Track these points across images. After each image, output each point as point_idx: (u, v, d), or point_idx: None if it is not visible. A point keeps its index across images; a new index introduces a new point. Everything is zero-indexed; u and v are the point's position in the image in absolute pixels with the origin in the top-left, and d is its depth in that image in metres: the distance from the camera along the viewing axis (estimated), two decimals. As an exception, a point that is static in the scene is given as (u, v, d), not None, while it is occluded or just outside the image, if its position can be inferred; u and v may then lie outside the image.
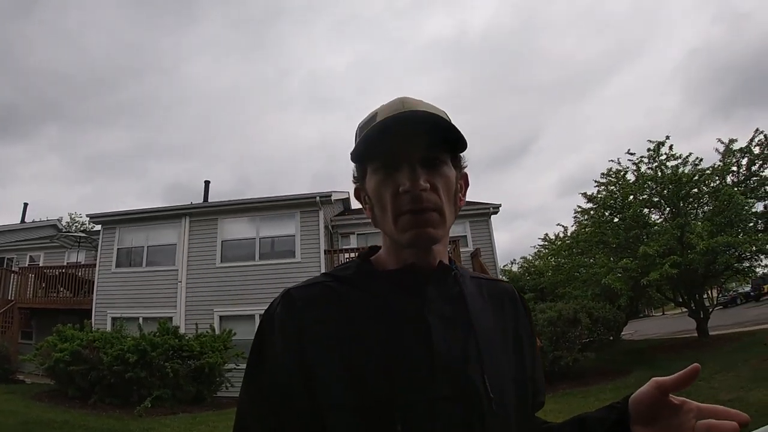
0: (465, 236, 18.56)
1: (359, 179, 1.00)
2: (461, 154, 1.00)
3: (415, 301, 0.89)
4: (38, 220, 30.59)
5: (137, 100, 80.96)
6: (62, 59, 69.39)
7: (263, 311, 0.94)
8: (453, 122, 0.93)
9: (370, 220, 1.03)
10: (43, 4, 64.32)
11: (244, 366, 1.02)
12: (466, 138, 0.92)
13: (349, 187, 1.03)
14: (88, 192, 77.82)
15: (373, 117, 0.94)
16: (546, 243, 20.02)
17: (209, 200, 21.62)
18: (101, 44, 72.55)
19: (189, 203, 19.15)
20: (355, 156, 0.95)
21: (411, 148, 0.89)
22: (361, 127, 0.97)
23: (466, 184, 1.04)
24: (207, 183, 22.92)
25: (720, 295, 23.32)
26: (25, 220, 28.87)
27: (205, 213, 17.06)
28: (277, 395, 0.84)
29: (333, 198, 16.52)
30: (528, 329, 1.05)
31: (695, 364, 0.80)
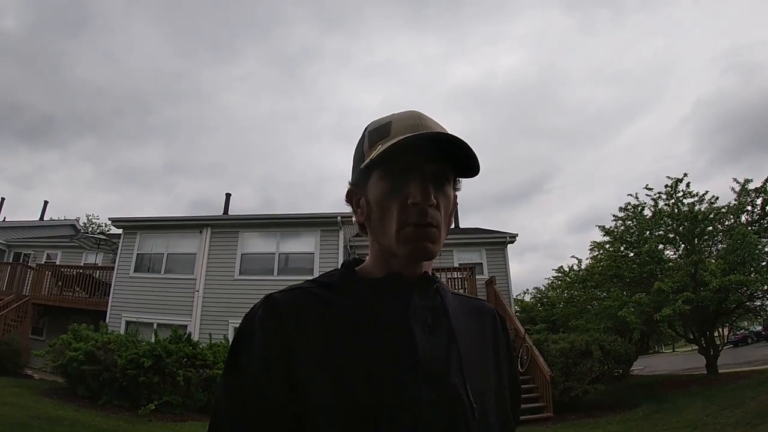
0: (481, 264, 18.73)
1: (359, 182, 1.00)
2: (459, 179, 1.01)
3: (399, 308, 0.90)
4: (57, 218, 30.93)
5: (172, 121, 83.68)
6: (104, 78, 72.22)
7: None
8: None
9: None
10: (92, 26, 66.95)
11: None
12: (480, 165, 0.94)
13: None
14: (115, 200, 79.88)
15: (387, 124, 0.96)
16: (560, 275, 20.01)
17: (229, 213, 21.86)
18: (143, 69, 75.83)
19: (212, 214, 19.35)
20: (371, 163, 0.92)
21: (426, 163, 0.91)
22: (372, 131, 0.98)
23: (455, 207, 1.03)
24: (228, 195, 23.17)
25: (731, 334, 23.12)
26: (44, 218, 29.25)
27: (227, 225, 17.20)
28: (256, 404, 0.82)
29: (354, 219, 16.26)
30: (506, 350, 1.07)
31: None
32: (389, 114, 1.00)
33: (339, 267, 1.03)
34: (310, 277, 1.03)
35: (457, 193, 1.02)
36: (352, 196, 1.03)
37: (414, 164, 0.90)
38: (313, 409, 0.80)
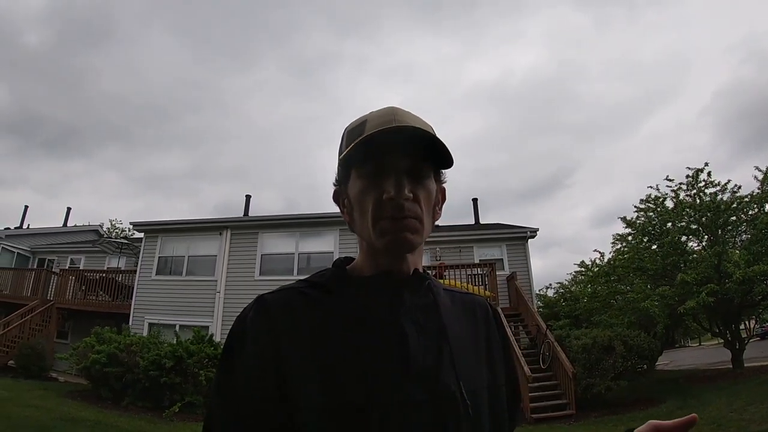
0: (501, 259, 18.62)
1: (341, 182, 1.01)
2: (443, 170, 1.02)
3: (390, 307, 0.90)
4: (80, 224, 31.35)
5: (195, 129, 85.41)
6: (127, 89, 74.01)
7: None
8: (440, 138, 0.93)
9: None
10: (112, 39, 68.44)
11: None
12: (453, 157, 0.94)
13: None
14: (141, 207, 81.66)
15: (362, 123, 0.95)
16: (582, 269, 19.81)
17: (249, 215, 22.01)
18: (165, 80, 79.03)
19: (231, 216, 19.50)
20: (344, 162, 0.96)
21: (399, 159, 0.91)
22: (350, 131, 0.98)
23: (443, 199, 1.05)
24: (248, 197, 23.36)
25: (757, 326, 22.74)
26: (68, 224, 29.66)
27: (246, 226, 17.33)
28: (248, 404, 0.83)
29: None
30: (499, 342, 1.06)
31: (693, 414, 0.82)
32: (368, 113, 1.00)
33: (331, 266, 1.03)
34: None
35: (444, 186, 1.04)
36: (339, 196, 1.04)
37: (387, 161, 0.91)
38: (303, 409, 0.80)
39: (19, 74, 62.79)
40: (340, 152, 1.00)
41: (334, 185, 1.05)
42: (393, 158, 0.91)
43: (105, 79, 72.09)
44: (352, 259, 1.04)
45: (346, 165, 0.97)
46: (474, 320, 1.04)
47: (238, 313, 0.93)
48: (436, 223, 1.03)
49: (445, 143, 0.92)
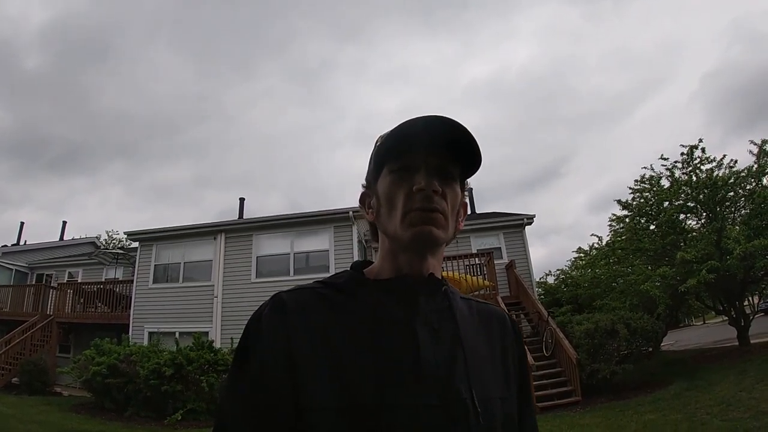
0: (499, 248, 18.50)
1: (371, 182, 1.04)
2: (467, 180, 1.04)
3: (404, 310, 0.91)
4: (77, 237, 31.39)
5: (200, 139, 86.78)
6: (131, 105, 75.09)
7: None
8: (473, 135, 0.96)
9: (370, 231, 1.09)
10: (114, 56, 69.02)
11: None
12: (482, 157, 0.97)
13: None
14: (147, 218, 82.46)
15: (397, 126, 0.97)
16: (581, 255, 19.72)
17: (244, 217, 21.96)
18: (168, 94, 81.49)
19: (224, 220, 19.46)
20: (378, 155, 0.99)
21: (431, 157, 0.94)
22: (383, 140, 0.99)
23: (465, 213, 1.07)
24: (242, 200, 23.54)
25: (761, 302, 22.65)
26: (65, 238, 29.68)
27: (240, 229, 17.20)
28: (261, 400, 0.83)
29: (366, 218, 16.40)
30: (516, 357, 1.05)
31: None
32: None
33: (348, 268, 1.06)
34: (326, 275, 1.04)
35: (466, 201, 1.06)
36: (365, 198, 1.07)
37: (419, 158, 0.94)
38: (314, 408, 0.81)
39: (22, 96, 63.44)
40: (373, 151, 1.03)
41: (363, 186, 1.08)
42: (425, 155, 0.94)
43: (109, 96, 73.22)
44: (371, 262, 1.05)
45: (379, 159, 1.00)
46: (490, 330, 1.04)
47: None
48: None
49: (476, 139, 0.95)
